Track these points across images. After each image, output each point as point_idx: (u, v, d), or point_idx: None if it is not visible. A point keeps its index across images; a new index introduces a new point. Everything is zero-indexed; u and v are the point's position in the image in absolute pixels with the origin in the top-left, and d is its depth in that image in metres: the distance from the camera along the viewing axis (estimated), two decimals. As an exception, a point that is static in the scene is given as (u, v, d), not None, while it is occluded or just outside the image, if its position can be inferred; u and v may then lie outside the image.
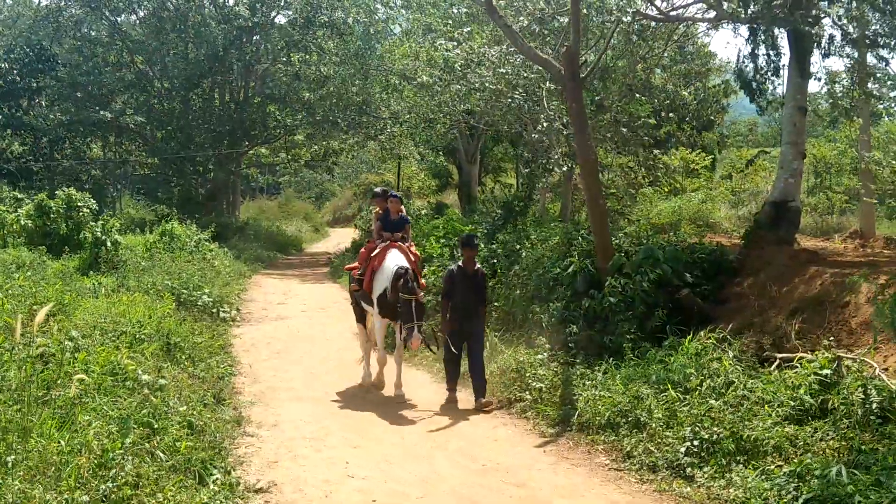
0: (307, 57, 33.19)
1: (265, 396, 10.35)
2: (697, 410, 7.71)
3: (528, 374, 10.07)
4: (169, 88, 34.76)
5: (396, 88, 24.43)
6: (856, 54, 15.44)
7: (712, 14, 15.34)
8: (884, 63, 15.66)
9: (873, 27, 14.10)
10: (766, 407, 7.49)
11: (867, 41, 14.46)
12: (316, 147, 38.43)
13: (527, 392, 9.79)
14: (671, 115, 20.24)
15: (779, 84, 16.24)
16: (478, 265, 10.58)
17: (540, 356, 10.41)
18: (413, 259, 10.97)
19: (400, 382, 10.45)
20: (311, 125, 34.82)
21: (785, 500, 6.05)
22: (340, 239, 36.46)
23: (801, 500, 5.92)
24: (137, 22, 37.17)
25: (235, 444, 8.12)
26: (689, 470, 7.04)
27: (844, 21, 13.70)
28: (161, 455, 6.55)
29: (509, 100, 17.46)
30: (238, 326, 15.50)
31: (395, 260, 10.47)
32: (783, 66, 15.40)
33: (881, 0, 12.97)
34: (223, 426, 8.30)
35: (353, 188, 48.94)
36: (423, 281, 11.41)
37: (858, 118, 17.11)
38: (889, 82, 17.88)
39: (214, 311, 15.39)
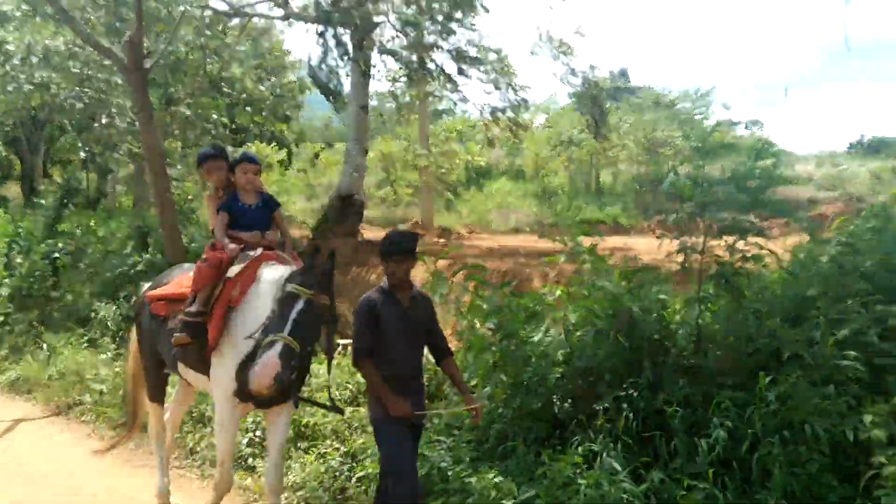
0: None
1: None
2: (262, 402, 7.83)
3: (89, 376, 9.57)
4: None
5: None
6: (414, 57, 16.70)
7: (282, 12, 15.76)
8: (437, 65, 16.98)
9: (426, 31, 15.36)
10: (325, 393, 7.83)
11: (422, 45, 15.72)
12: None
13: (87, 395, 9.31)
14: (247, 108, 20.41)
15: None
16: (416, 287, 5.35)
17: (103, 356, 9.99)
18: None
19: None
20: None
21: (339, 480, 6.40)
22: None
23: (354, 479, 6.34)
24: None
25: None
26: (251, 461, 7.18)
27: (401, 26, 14.78)
28: None
29: (76, 93, 16.55)
30: None
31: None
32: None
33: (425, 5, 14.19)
34: None
35: None
36: None
37: (416, 116, 18.54)
38: (448, 84, 19.47)
39: None
